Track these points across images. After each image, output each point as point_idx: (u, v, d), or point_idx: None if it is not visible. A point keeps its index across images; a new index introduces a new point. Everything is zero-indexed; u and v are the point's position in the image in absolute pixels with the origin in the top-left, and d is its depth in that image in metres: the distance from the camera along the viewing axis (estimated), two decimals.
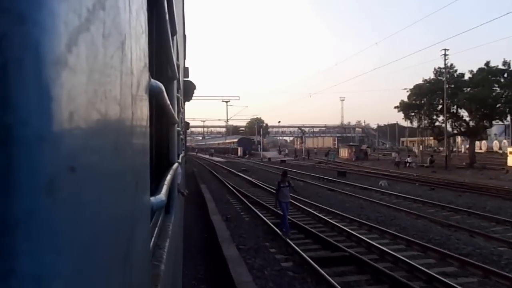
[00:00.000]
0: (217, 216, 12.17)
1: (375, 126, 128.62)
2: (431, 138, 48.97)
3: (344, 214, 13.23)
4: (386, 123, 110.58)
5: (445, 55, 36.22)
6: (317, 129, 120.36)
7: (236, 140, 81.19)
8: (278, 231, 10.66)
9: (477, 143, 64.26)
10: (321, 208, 14.61)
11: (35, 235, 0.28)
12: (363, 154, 54.07)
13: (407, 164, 37.66)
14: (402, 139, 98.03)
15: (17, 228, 0.27)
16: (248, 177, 26.64)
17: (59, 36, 0.31)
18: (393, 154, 55.92)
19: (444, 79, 36.05)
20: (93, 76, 0.38)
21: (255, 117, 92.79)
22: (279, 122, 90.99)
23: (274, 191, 11.77)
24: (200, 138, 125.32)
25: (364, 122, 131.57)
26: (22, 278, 0.27)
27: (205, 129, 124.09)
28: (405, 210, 14.13)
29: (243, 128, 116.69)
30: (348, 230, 10.84)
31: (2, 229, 0.26)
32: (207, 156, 68.81)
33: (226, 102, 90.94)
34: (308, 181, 24.46)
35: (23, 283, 0.27)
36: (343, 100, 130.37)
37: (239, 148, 73.59)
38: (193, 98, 12.69)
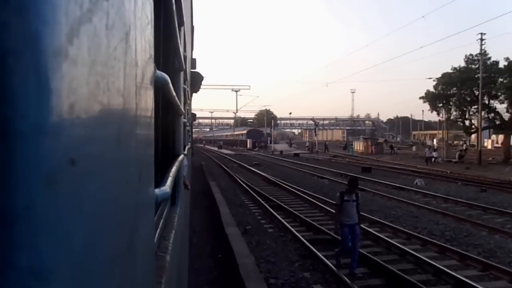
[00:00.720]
0: (233, 228, 9.40)
1: (384, 119, 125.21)
2: (446, 131, 45.41)
3: (395, 226, 10.40)
4: (395, 116, 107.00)
5: (481, 39, 32.27)
6: (327, 122, 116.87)
7: (245, 132, 78.59)
8: (331, 265, 7.45)
9: (494, 136, 60.53)
10: (362, 216, 11.69)
11: (35, 228, 0.28)
12: (388, 148, 50.44)
13: (433, 159, 34.59)
14: (414, 132, 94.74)
15: (16, 222, 0.27)
16: (262, 173, 23.88)
17: (60, 27, 0.30)
18: (414, 148, 52.63)
19: (478, 66, 32.55)
20: (95, 67, 0.38)
21: (264, 108, 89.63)
22: (290, 113, 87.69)
23: (333, 207, 8.59)
24: (208, 129, 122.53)
25: (378, 115, 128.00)
26: (22, 272, 0.27)
27: (213, 120, 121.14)
28: (469, 221, 11.18)
29: (251, 120, 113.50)
30: (413, 252, 8.00)
31: (2, 223, 0.26)
32: (215, 148, 66.41)
33: (236, 91, 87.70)
34: (330, 178, 21.58)
35: (23, 276, 0.27)
36: (354, 92, 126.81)
37: (248, 140, 71.20)
38: (202, 87, 12.20)
